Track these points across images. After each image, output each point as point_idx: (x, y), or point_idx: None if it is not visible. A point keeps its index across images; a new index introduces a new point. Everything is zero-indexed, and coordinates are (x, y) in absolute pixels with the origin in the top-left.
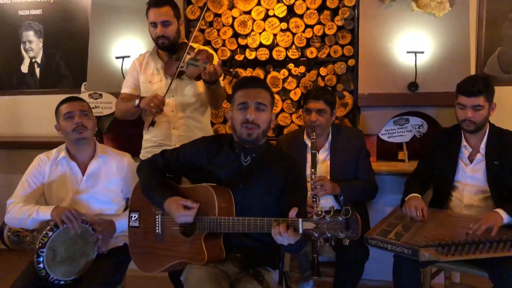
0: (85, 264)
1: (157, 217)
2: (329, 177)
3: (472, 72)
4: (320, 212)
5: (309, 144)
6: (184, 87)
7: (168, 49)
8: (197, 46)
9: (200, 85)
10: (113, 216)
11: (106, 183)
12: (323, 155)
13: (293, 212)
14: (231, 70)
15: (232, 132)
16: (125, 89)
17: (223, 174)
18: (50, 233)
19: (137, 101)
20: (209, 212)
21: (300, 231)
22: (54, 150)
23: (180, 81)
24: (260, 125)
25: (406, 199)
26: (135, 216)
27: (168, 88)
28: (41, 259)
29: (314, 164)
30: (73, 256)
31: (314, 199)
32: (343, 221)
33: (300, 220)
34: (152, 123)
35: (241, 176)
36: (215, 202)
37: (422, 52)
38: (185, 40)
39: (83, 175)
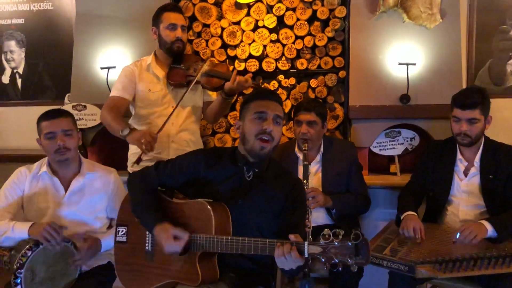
0: (66, 284)
1: (147, 232)
2: (321, 190)
3: (464, 84)
4: (327, 236)
5: (301, 157)
6: (184, 98)
7: (177, 55)
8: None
9: (200, 98)
10: (99, 233)
11: (91, 200)
12: (314, 168)
13: (292, 236)
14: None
15: (241, 143)
16: (117, 91)
17: (222, 188)
18: (29, 253)
19: (125, 131)
20: (205, 230)
21: (306, 255)
22: (36, 163)
23: (182, 91)
24: (275, 139)
25: (402, 218)
26: (122, 231)
27: (182, 98)
28: (19, 280)
29: (306, 176)
30: (53, 277)
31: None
32: (352, 246)
33: (305, 243)
34: (138, 161)
35: (241, 192)
36: (212, 220)
37: (414, 64)
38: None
39: (65, 191)
